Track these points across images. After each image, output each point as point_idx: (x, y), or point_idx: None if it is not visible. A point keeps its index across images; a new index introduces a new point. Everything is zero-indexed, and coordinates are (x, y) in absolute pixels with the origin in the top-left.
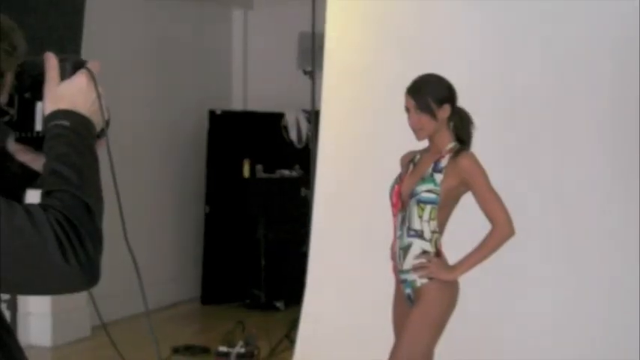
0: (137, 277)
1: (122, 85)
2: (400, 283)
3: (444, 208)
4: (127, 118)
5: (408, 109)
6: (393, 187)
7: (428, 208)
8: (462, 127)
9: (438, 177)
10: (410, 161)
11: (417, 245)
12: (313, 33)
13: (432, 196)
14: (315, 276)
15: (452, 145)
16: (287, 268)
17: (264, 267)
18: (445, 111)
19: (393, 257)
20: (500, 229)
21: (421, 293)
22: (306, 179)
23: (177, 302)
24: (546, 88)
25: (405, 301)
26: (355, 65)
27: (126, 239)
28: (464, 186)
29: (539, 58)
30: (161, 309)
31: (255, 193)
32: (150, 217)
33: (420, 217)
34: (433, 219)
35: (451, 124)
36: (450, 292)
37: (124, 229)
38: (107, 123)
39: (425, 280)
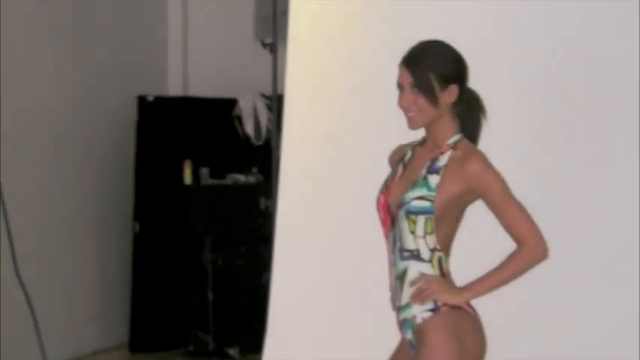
0: (32, 319)
1: (21, 64)
2: (401, 327)
3: (445, 220)
4: (25, 108)
5: (400, 87)
6: (378, 199)
7: (421, 219)
8: (469, 116)
9: (434, 179)
10: (400, 161)
11: (414, 269)
12: None
13: (424, 204)
14: (280, 314)
15: (455, 138)
16: (242, 303)
17: (212, 302)
18: (451, 94)
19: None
20: (530, 251)
21: (422, 335)
22: (267, 186)
23: (97, 350)
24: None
25: (410, 353)
26: (332, 33)
27: (15, 267)
28: (472, 195)
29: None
30: (77, 359)
31: (199, 205)
32: (58, 238)
33: (413, 232)
34: (430, 233)
35: (456, 109)
36: (465, 331)
37: (13, 254)
38: None
39: (427, 314)
